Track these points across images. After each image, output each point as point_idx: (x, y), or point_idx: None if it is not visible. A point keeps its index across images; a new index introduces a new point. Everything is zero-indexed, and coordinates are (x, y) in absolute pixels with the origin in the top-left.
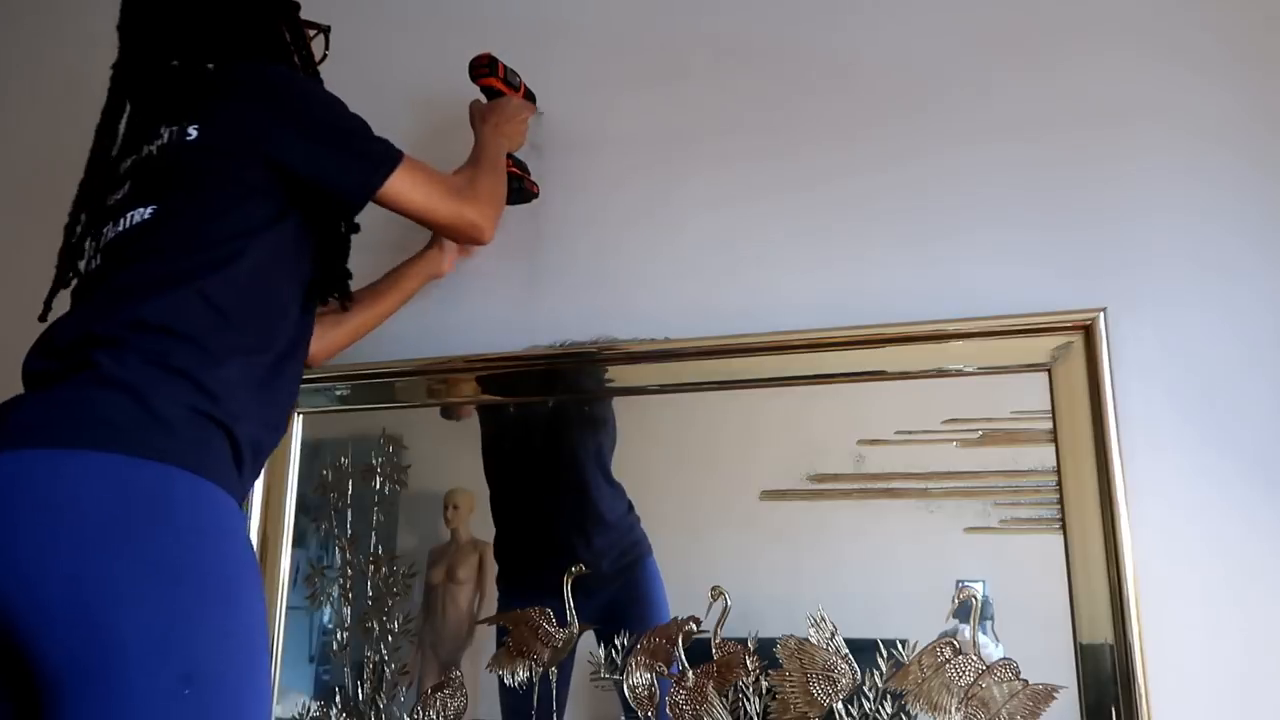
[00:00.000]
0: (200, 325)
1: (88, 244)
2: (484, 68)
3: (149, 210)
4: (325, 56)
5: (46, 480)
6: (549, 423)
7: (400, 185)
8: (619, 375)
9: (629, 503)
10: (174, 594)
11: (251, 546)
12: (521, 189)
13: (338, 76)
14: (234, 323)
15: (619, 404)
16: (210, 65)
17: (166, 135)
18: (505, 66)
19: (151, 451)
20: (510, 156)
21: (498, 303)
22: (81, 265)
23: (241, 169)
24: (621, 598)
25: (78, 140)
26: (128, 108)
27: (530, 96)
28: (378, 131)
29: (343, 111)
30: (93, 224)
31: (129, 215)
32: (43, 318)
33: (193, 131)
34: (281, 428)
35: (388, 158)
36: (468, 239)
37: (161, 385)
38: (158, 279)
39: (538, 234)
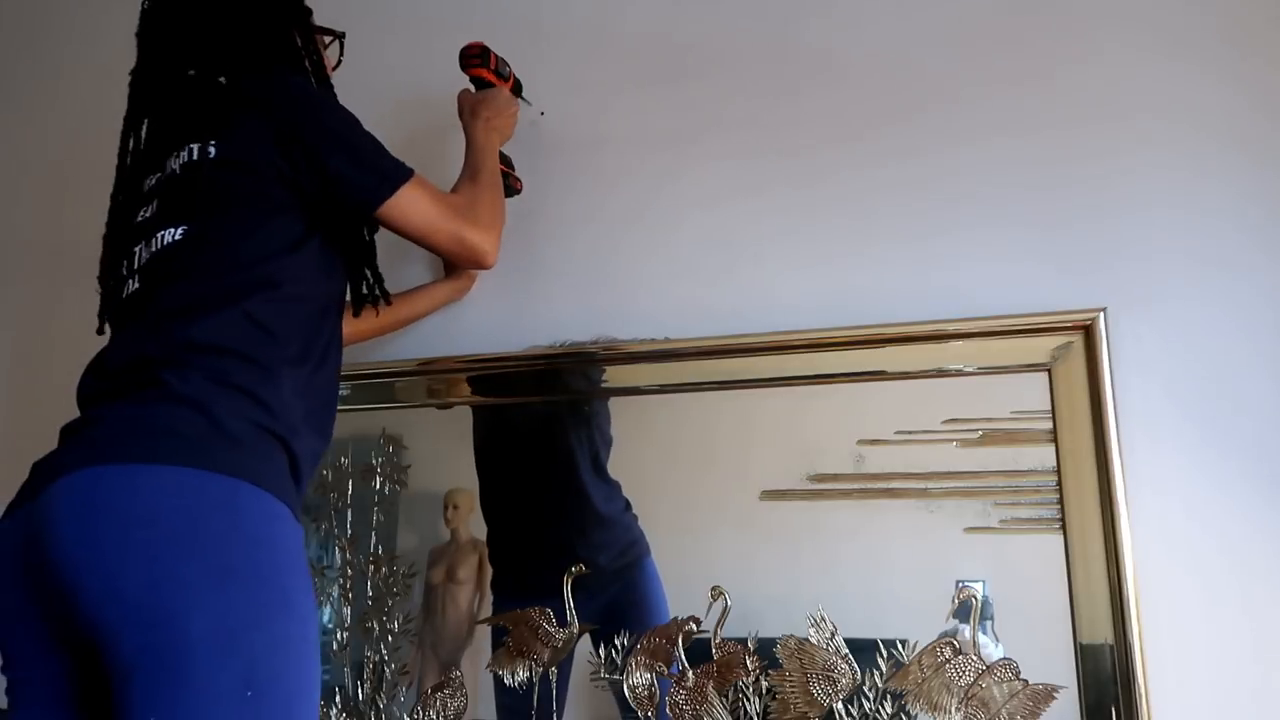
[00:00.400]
0: (250, 343)
1: (122, 264)
2: (475, 58)
3: (179, 231)
4: (340, 63)
5: (125, 494)
6: (543, 420)
7: (405, 203)
8: (617, 375)
9: (626, 500)
10: (240, 600)
11: (305, 557)
12: (506, 185)
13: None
14: (279, 338)
15: (617, 404)
16: (223, 78)
17: (188, 153)
18: (496, 56)
19: (220, 465)
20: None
21: (497, 303)
22: (119, 286)
23: (263, 184)
24: (621, 599)
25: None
26: (147, 119)
27: (518, 87)
28: (380, 134)
29: (353, 125)
30: (123, 242)
31: (160, 235)
32: (100, 331)
33: (212, 149)
34: (329, 436)
35: (397, 174)
36: (470, 263)
37: (225, 401)
38: (201, 300)
39: (536, 234)
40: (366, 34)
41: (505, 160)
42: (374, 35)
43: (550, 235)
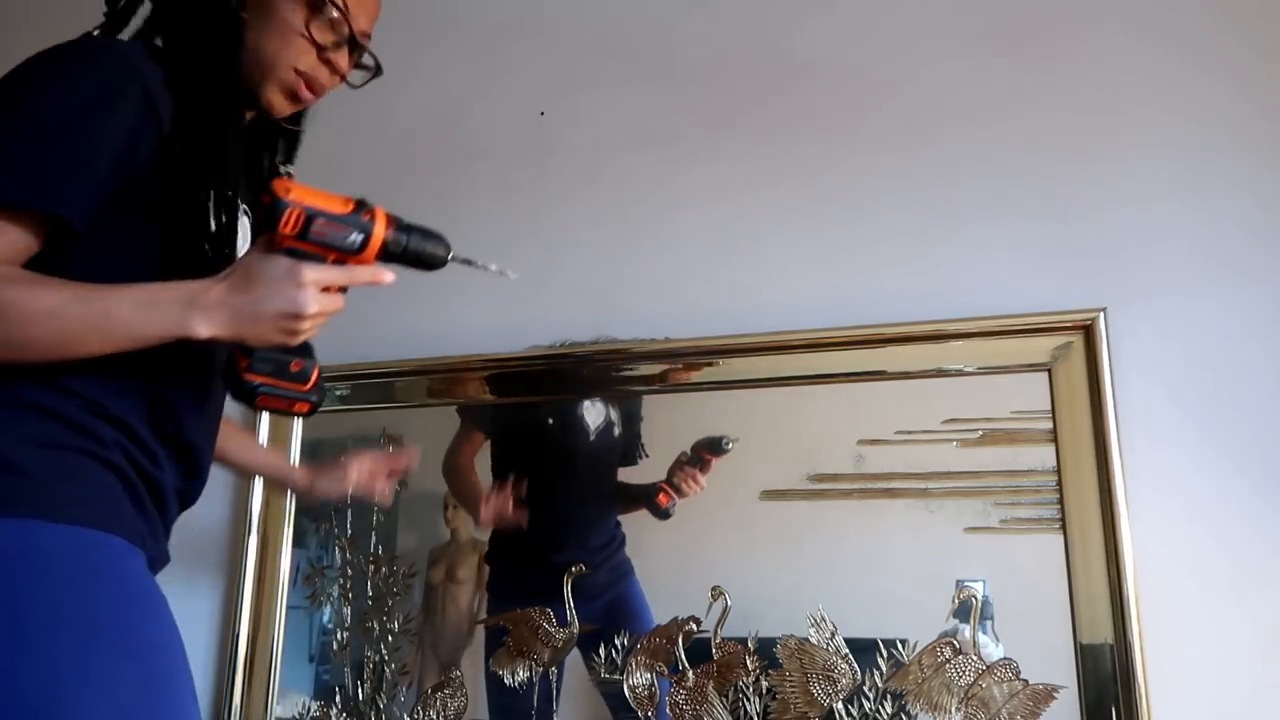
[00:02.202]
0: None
1: None
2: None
3: None
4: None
5: None
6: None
7: None
8: (618, 375)
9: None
10: (49, 654)
11: (143, 581)
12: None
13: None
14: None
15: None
16: None
17: None
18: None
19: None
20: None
21: (498, 303)
22: None
23: None
24: (612, 611)
25: None
26: None
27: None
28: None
29: (17, 107)
30: None
31: None
32: None
33: None
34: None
35: None
36: None
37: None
38: None
39: (537, 234)
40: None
41: (427, 248)
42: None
43: (550, 235)
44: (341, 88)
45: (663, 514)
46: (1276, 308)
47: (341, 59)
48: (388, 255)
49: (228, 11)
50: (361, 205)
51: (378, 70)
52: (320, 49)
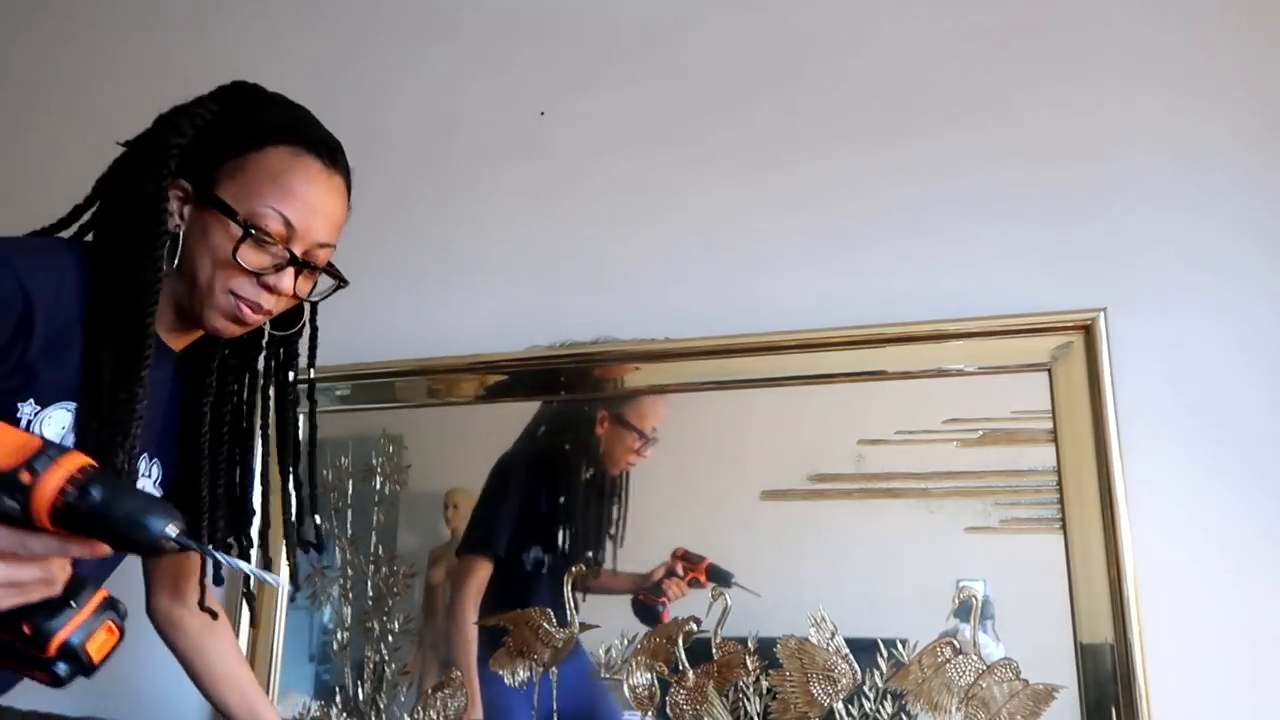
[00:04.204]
0: None
1: None
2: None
3: None
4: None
5: None
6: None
7: None
8: (619, 375)
9: None
10: None
11: None
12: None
13: (339, 87)
14: None
15: (618, 403)
16: None
17: None
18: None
19: None
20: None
21: (498, 303)
22: None
23: None
24: None
25: None
26: None
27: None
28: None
29: None
30: None
31: None
32: None
33: None
34: None
35: None
36: None
37: None
38: None
39: (538, 235)
40: (365, 35)
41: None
42: (373, 37)
43: (551, 236)
44: (339, 91)
45: (654, 616)
46: (1277, 307)
47: (285, 281)
48: (71, 520)
49: (154, 236)
50: (41, 453)
51: (340, 282)
52: (256, 275)
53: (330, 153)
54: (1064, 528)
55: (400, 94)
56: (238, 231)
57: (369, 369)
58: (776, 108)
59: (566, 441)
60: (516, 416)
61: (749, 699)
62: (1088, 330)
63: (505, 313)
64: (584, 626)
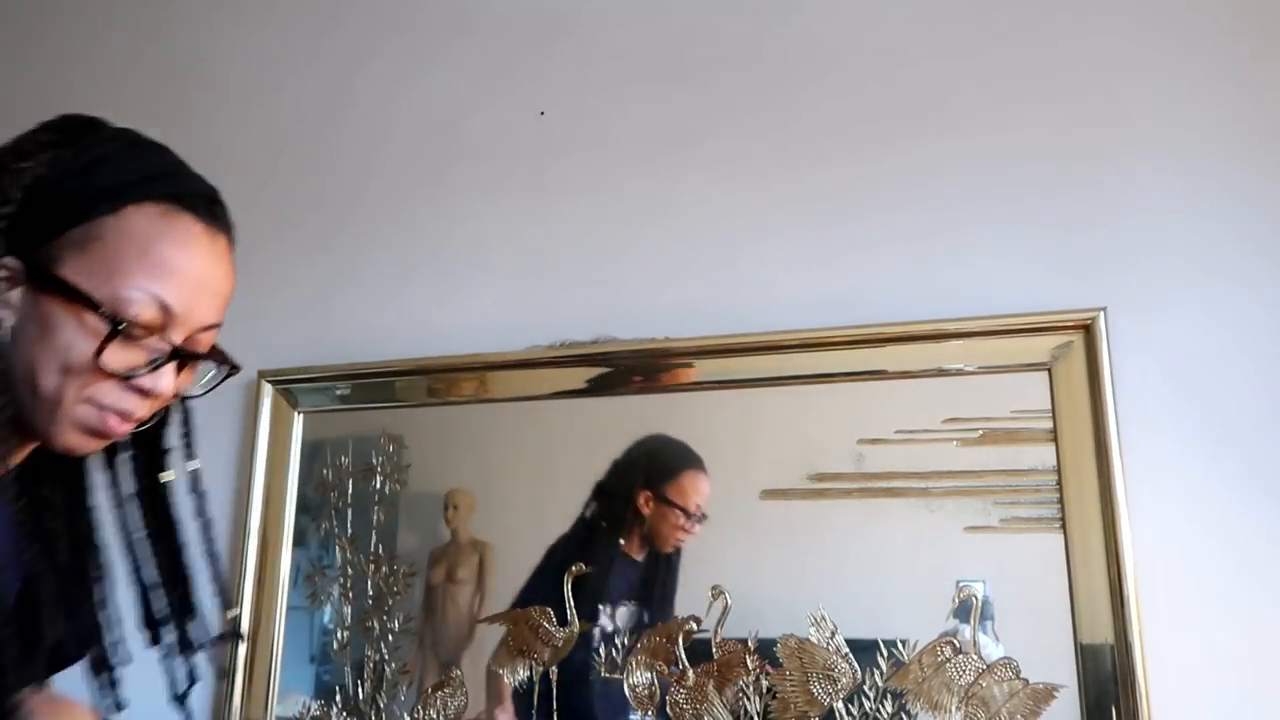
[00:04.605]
0: None
1: None
2: None
3: None
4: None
5: None
6: None
7: None
8: (619, 375)
9: None
10: None
11: None
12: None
13: (338, 89)
14: None
15: (618, 404)
16: None
17: None
18: None
19: None
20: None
21: (498, 303)
22: None
23: None
24: None
25: None
26: None
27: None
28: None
29: None
30: None
31: None
32: None
33: None
34: None
35: None
36: None
37: None
38: None
39: (538, 234)
40: (366, 37)
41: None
42: (375, 39)
43: (551, 235)
44: (340, 92)
45: None
46: (1276, 307)
47: (163, 381)
48: None
49: None
50: None
51: (231, 370)
52: (126, 377)
53: (210, 206)
54: (1064, 527)
55: (400, 95)
56: (100, 326)
57: (369, 369)
58: (776, 108)
59: (609, 520)
60: (517, 416)
61: (749, 698)
62: (1088, 330)
63: (505, 313)
64: (584, 626)
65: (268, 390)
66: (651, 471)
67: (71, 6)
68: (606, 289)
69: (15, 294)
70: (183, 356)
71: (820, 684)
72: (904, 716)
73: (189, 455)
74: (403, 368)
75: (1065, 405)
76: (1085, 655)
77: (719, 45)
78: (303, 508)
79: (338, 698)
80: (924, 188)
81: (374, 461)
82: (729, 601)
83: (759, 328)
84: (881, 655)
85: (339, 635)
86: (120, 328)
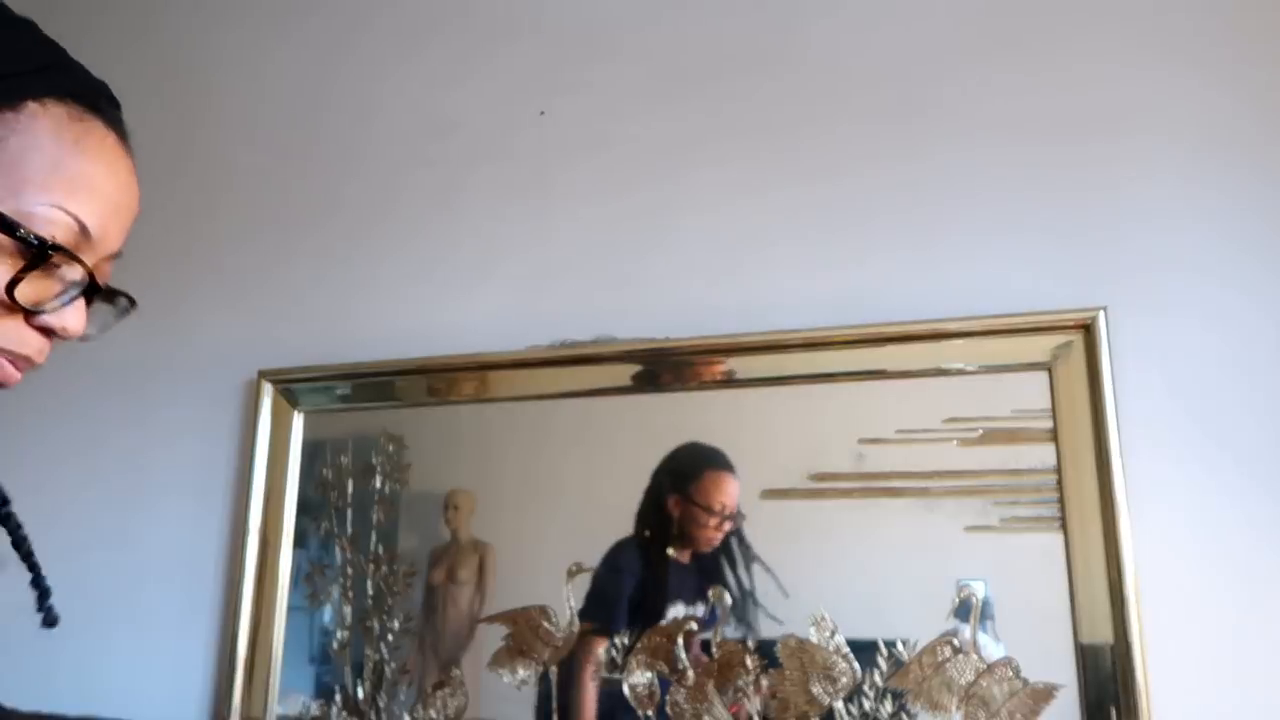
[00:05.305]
0: None
1: None
2: None
3: None
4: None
5: None
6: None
7: None
8: (619, 375)
9: None
10: None
11: None
12: None
13: (336, 85)
14: None
15: (619, 403)
16: None
17: None
18: None
19: None
20: None
21: (498, 303)
22: None
23: None
24: None
25: None
26: None
27: None
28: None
29: None
30: None
31: None
32: None
33: None
34: None
35: None
36: None
37: None
38: None
39: (538, 234)
40: (362, 29)
41: None
42: (370, 31)
43: (551, 235)
44: (335, 86)
45: None
46: (1275, 308)
47: (73, 318)
48: None
49: None
50: None
51: (131, 305)
52: (32, 313)
53: (116, 111)
54: (1064, 527)
55: (398, 91)
56: (11, 249)
57: (369, 369)
58: (775, 108)
59: (652, 528)
60: (517, 416)
61: (749, 698)
62: (1088, 330)
63: (505, 313)
64: (584, 625)
65: (268, 390)
66: (676, 475)
67: (61, 6)
68: (607, 289)
69: None
70: (97, 291)
71: (820, 683)
72: (904, 716)
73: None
74: (403, 368)
75: (1065, 405)
76: (1085, 655)
77: (719, 46)
78: (303, 508)
79: (338, 698)
80: (924, 188)
81: (374, 461)
82: (729, 601)
83: (759, 328)
84: (881, 655)
85: (339, 635)
86: (51, 251)
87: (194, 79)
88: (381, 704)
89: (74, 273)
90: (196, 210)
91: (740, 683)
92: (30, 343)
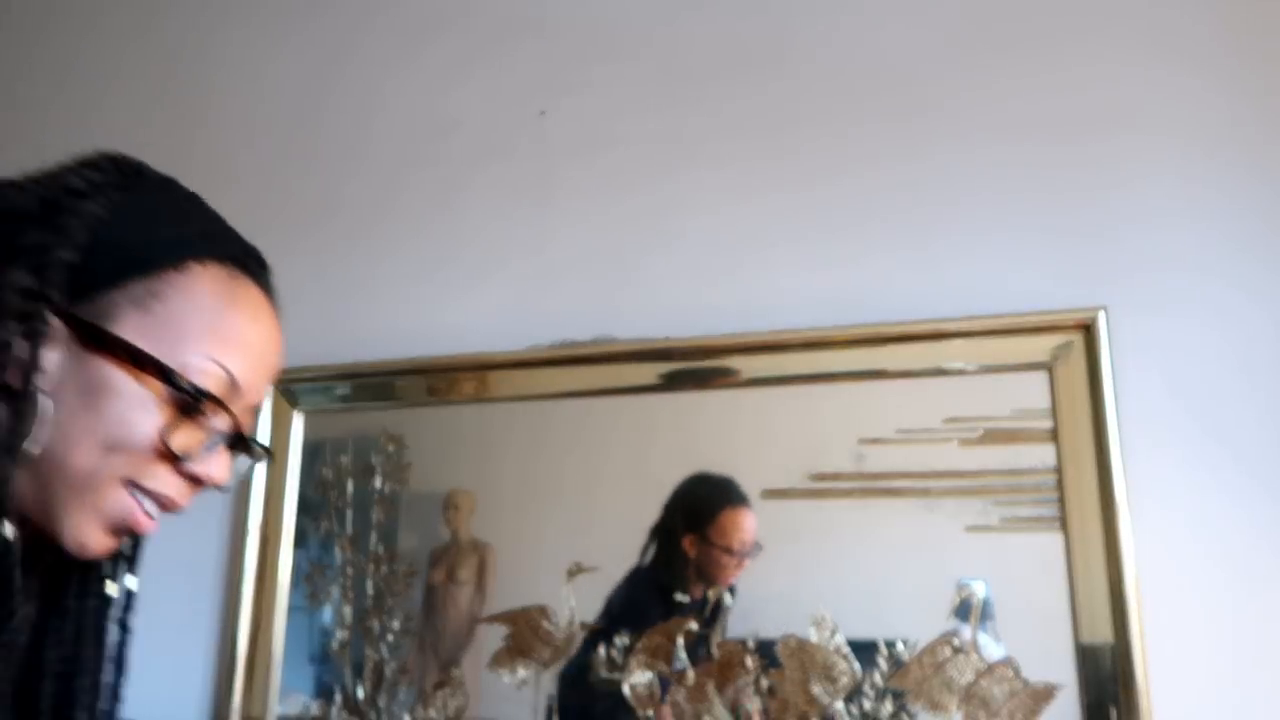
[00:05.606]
0: None
1: None
2: None
3: None
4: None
5: None
6: None
7: None
8: (619, 375)
9: None
10: None
11: None
12: None
13: (337, 85)
14: None
15: (619, 403)
16: None
17: None
18: None
19: None
20: None
21: (498, 303)
22: None
23: None
24: None
25: None
26: None
27: None
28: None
29: None
30: None
31: None
32: None
33: None
34: None
35: None
36: None
37: None
38: None
39: (538, 234)
40: (362, 29)
41: None
42: (371, 31)
43: (551, 235)
44: (335, 87)
45: None
46: (1275, 308)
47: (218, 467)
48: None
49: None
50: None
51: (268, 455)
52: (181, 459)
53: (265, 273)
54: (1064, 527)
55: (399, 91)
56: (167, 398)
57: (369, 369)
58: (775, 107)
59: (665, 564)
60: (517, 416)
61: (749, 698)
62: (1088, 330)
63: (505, 313)
64: (584, 625)
65: (268, 389)
66: (690, 515)
67: (64, 7)
68: (607, 289)
69: (54, 355)
70: (242, 441)
71: (820, 684)
72: (904, 716)
73: (131, 569)
74: (403, 368)
75: (1065, 405)
76: (1085, 655)
77: (719, 45)
78: (303, 507)
79: (338, 698)
80: (924, 188)
81: (374, 461)
82: (729, 601)
83: (759, 328)
84: (882, 655)
85: (339, 635)
86: (201, 401)
87: (195, 79)
88: (381, 704)
89: (221, 422)
90: None
91: (740, 683)
92: (177, 490)
